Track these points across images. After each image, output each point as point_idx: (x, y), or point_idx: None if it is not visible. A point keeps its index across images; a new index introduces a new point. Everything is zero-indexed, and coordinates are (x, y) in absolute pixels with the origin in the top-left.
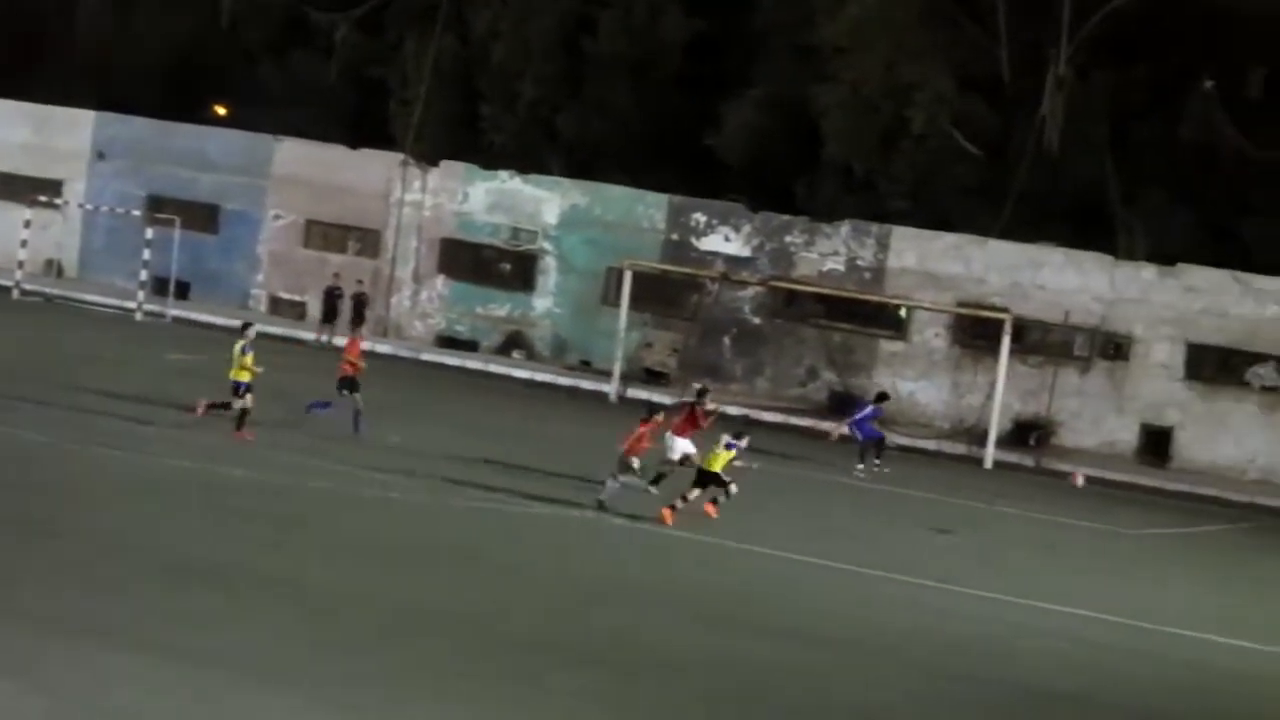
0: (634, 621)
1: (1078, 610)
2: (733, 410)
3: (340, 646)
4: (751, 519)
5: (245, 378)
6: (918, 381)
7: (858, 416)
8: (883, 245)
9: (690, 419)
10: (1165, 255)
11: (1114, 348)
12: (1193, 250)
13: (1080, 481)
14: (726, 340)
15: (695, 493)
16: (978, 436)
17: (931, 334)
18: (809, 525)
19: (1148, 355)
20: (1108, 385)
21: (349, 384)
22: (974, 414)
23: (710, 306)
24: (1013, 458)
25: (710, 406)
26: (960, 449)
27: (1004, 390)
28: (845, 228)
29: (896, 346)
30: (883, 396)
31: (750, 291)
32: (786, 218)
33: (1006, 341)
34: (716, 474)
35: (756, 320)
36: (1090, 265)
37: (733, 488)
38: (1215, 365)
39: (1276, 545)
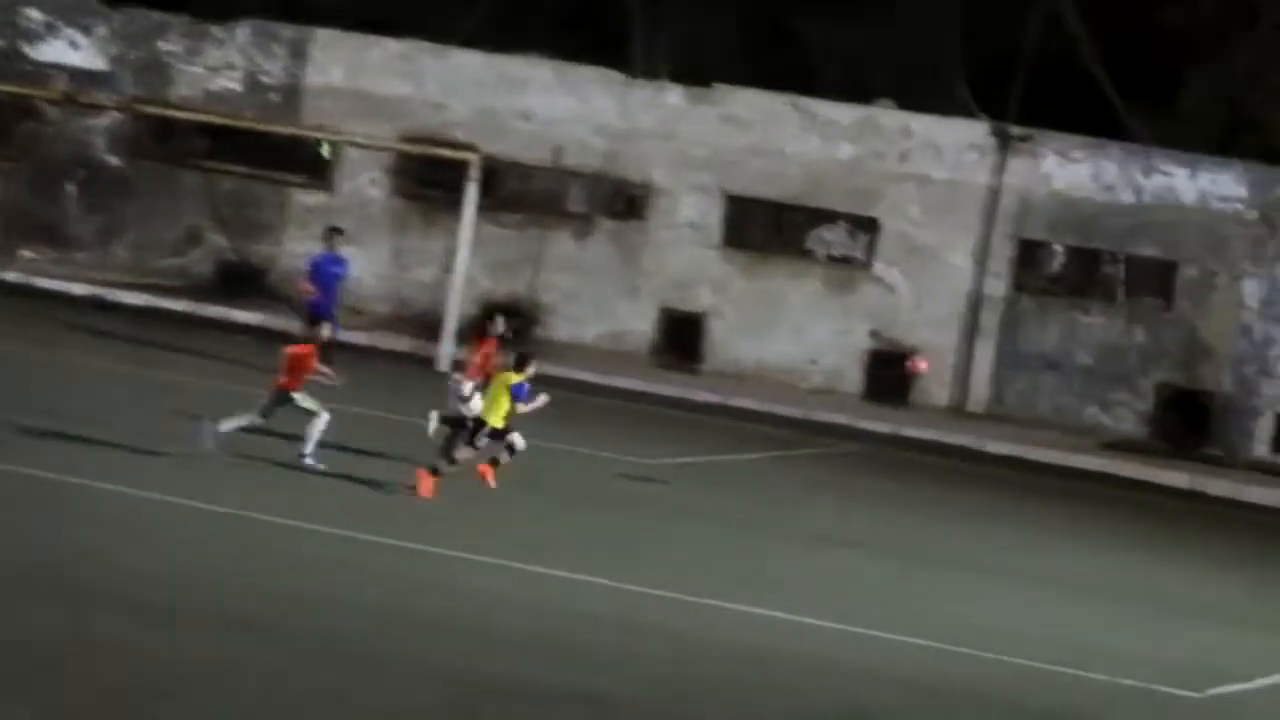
0: None
1: (568, 574)
2: (78, 290)
3: None
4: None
5: None
6: (345, 248)
7: (309, 264)
8: (298, 56)
9: (488, 354)
10: (697, 72)
11: (624, 202)
12: (735, 65)
13: (923, 367)
14: (71, 189)
15: (467, 452)
16: (430, 327)
17: (366, 181)
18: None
19: (672, 212)
20: (615, 255)
21: None
22: (425, 295)
23: (47, 142)
24: None
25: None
26: (404, 344)
27: (468, 261)
28: (244, 31)
29: (316, 199)
30: (335, 231)
31: (106, 119)
32: (159, 17)
33: (473, 191)
34: (496, 426)
35: (115, 161)
36: (592, 86)
37: (518, 440)
38: (765, 227)
39: (842, 479)
